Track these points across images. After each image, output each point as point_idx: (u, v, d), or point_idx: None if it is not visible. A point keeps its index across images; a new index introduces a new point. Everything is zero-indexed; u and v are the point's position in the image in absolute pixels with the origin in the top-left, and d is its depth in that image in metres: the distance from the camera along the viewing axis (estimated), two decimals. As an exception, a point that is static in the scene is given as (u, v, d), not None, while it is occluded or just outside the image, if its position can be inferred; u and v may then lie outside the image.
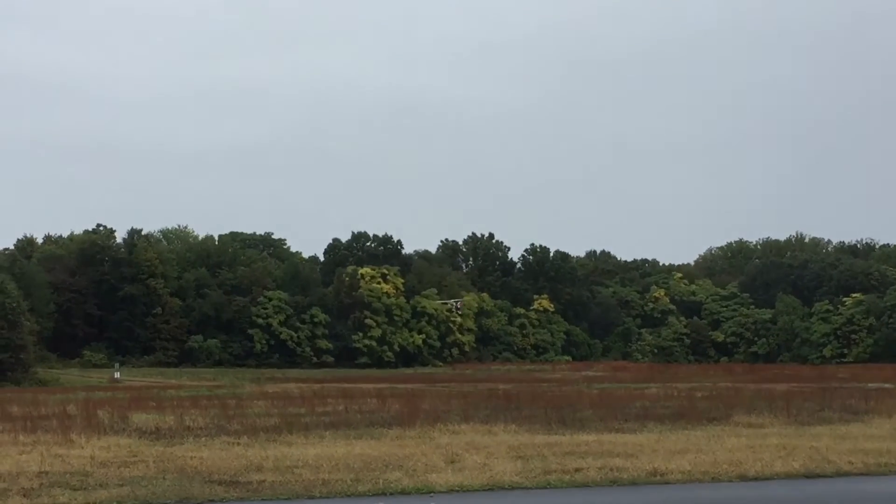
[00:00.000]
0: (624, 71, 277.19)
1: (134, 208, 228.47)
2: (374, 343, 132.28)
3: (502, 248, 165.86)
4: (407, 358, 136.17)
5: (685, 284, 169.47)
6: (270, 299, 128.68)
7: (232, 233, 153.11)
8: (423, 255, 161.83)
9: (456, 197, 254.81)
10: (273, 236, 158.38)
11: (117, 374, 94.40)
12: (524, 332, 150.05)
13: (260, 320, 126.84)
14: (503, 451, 24.06)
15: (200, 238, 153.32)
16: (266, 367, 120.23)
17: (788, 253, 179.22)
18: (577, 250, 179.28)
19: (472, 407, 39.70)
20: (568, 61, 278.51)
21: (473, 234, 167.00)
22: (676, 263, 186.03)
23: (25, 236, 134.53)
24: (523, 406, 40.51)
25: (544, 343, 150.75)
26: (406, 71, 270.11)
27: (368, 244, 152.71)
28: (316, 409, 40.63)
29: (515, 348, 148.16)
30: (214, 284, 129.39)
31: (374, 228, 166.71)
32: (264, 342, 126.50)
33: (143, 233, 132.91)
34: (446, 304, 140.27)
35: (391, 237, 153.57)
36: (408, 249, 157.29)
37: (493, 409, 38.96)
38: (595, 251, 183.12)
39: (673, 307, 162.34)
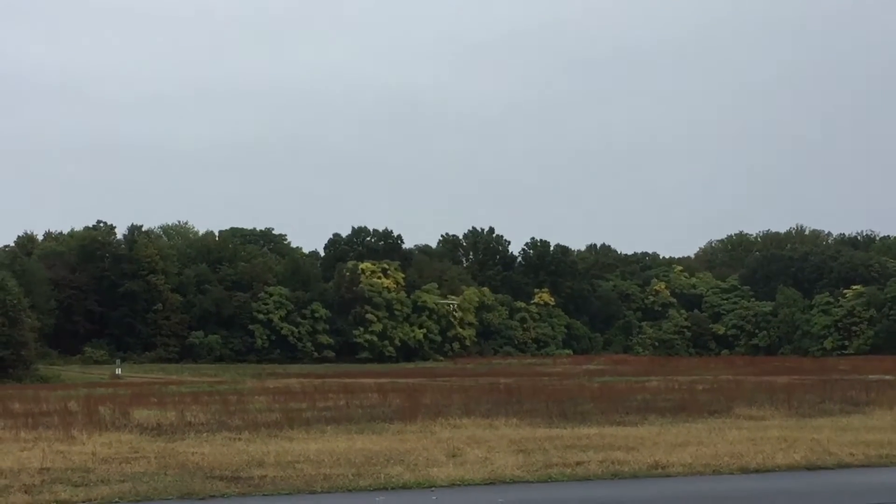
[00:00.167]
0: (623, 66, 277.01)
1: (134, 205, 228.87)
2: (374, 338, 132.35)
3: (503, 242, 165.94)
4: (408, 352, 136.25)
5: (686, 277, 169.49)
6: (271, 295, 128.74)
7: (232, 228, 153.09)
8: (424, 250, 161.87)
9: (456, 191, 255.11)
10: (273, 232, 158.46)
11: (118, 371, 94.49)
12: (525, 325, 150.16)
13: (261, 316, 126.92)
14: (504, 445, 24.05)
15: (201, 234, 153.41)
16: (267, 362, 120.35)
17: (789, 245, 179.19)
18: (577, 244, 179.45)
19: (473, 401, 39.70)
20: (567, 57, 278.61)
21: (474, 228, 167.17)
22: (677, 256, 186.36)
23: (26, 233, 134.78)
24: (524, 400, 40.50)
25: (545, 337, 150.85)
26: (406, 67, 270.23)
27: (369, 239, 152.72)
28: (317, 404, 40.63)
29: (516, 342, 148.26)
30: (215, 280, 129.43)
31: (375, 223, 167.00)
32: (265, 338, 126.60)
33: (143, 229, 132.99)
34: (443, 303, 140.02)
35: (391, 232, 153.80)
36: (408, 244, 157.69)
37: (495, 403, 38.95)
38: (595, 245, 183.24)
39: (673, 300, 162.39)
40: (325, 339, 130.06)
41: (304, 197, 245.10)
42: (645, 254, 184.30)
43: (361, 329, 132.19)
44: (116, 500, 17.55)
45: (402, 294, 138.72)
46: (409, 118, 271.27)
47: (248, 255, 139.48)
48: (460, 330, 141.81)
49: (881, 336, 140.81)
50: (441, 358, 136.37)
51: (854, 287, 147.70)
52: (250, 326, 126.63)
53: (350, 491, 18.33)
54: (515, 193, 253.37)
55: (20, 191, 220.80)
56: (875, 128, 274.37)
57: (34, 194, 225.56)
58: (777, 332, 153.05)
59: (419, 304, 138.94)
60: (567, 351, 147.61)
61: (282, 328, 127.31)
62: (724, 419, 31.81)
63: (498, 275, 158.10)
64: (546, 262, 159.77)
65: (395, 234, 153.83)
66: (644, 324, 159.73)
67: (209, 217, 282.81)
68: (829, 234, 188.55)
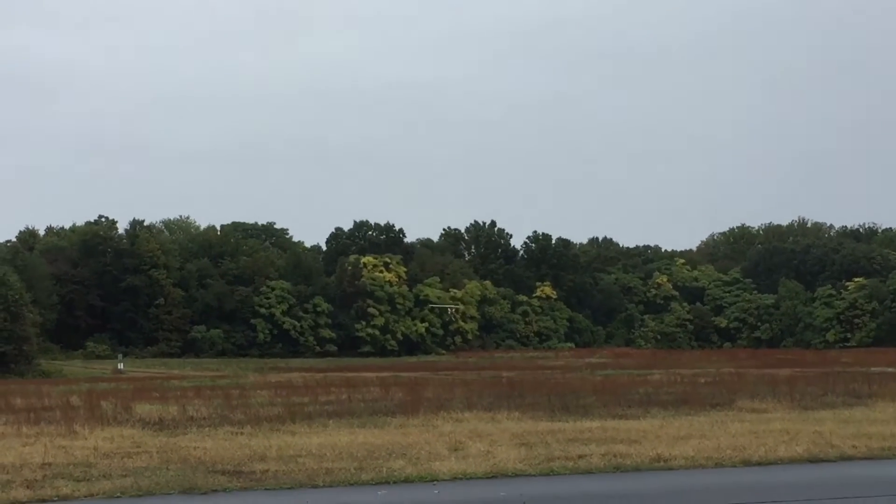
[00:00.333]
0: (626, 60, 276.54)
1: (136, 199, 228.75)
2: (376, 332, 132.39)
3: (504, 236, 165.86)
4: (410, 346, 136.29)
5: (688, 270, 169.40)
6: (273, 289, 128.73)
7: (234, 223, 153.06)
8: (426, 244, 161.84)
9: (458, 185, 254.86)
10: (275, 226, 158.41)
11: (121, 365, 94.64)
12: (527, 319, 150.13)
13: (263, 310, 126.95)
14: (506, 439, 24.02)
15: (202, 228, 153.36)
16: (269, 356, 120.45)
17: (791, 238, 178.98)
18: (579, 237, 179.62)
19: (475, 395, 39.70)
20: (571, 52, 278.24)
21: (475, 221, 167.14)
22: (679, 249, 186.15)
23: (27, 228, 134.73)
24: (526, 393, 40.49)
25: (547, 330, 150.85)
26: (407, 61, 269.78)
27: (370, 233, 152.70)
28: (319, 399, 40.62)
29: (518, 336, 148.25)
30: (217, 274, 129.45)
31: (376, 217, 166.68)
32: (267, 332, 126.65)
33: (144, 223, 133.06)
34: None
35: (393, 226, 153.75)
36: (410, 238, 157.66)
37: (497, 396, 38.93)
38: (597, 238, 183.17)
39: (675, 293, 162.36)
40: (327, 333, 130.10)
41: (305, 191, 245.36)
42: (647, 247, 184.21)
43: (363, 323, 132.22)
44: (118, 494, 17.53)
45: (404, 288, 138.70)
46: (410, 112, 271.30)
47: (250, 249, 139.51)
48: (462, 324, 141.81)
49: (883, 328, 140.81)
50: (443, 352, 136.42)
51: (856, 279, 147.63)
52: (252, 321, 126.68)
53: (352, 485, 18.31)
54: (517, 187, 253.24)
55: (22, 186, 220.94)
56: (877, 121, 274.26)
57: (35, 188, 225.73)
58: (779, 324, 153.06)
59: (421, 297, 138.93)
60: (569, 344, 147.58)
61: (284, 322, 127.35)
62: (726, 412, 31.77)
63: (500, 268, 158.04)
64: (548, 255, 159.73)
65: (397, 227, 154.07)
66: (646, 317, 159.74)
67: (211, 211, 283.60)
68: (832, 226, 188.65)
